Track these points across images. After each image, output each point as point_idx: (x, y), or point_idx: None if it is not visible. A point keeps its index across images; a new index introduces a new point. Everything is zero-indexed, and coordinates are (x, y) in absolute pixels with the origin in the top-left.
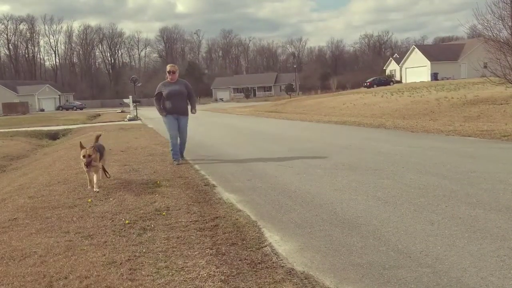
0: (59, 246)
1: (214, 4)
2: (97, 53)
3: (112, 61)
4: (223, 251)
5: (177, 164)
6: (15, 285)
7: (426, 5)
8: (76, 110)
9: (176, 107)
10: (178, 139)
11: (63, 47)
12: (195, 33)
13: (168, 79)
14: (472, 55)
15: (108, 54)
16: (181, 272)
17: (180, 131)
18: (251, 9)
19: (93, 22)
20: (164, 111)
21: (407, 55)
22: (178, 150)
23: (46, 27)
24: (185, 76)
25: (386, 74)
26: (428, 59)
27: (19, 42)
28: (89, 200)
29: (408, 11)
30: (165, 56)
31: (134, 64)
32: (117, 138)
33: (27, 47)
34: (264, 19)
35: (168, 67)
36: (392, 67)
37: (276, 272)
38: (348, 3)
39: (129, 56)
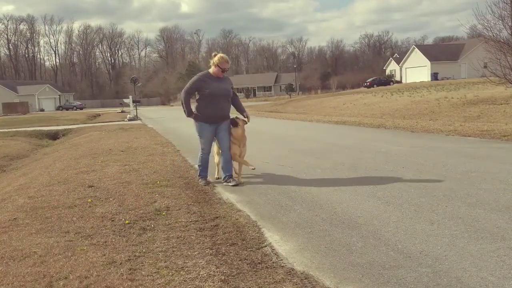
0: (59, 246)
1: (218, 4)
2: (97, 53)
3: (112, 61)
4: (223, 251)
5: (205, 184)
6: (15, 285)
7: (429, 5)
8: (76, 110)
9: (219, 113)
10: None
11: (63, 47)
12: (195, 33)
13: (214, 72)
14: (472, 55)
15: (108, 54)
16: (181, 272)
17: (219, 137)
18: (255, 9)
19: (97, 22)
20: (195, 115)
21: (407, 55)
22: (207, 167)
23: (46, 27)
24: (186, 76)
25: (386, 74)
26: (428, 59)
27: (19, 42)
28: (89, 200)
29: (411, 11)
30: (165, 56)
31: (134, 64)
32: (117, 138)
33: (27, 47)
34: (268, 19)
35: (223, 58)
36: (392, 67)
37: (276, 272)
38: (351, 3)
39: (129, 56)
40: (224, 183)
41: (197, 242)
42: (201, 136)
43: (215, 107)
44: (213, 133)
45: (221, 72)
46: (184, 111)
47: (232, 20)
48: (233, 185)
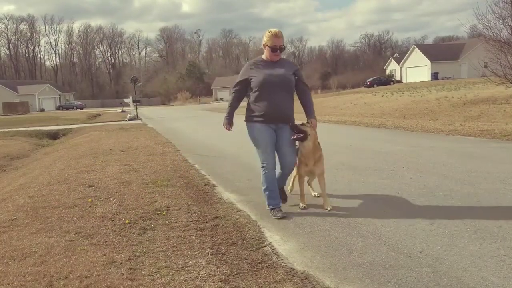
0: (59, 246)
1: (219, 4)
2: (97, 53)
3: (112, 60)
4: (223, 250)
5: (279, 217)
6: (15, 284)
7: (429, 4)
8: (76, 109)
9: (277, 109)
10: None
11: (63, 47)
12: (195, 33)
13: (267, 56)
14: (472, 55)
15: (109, 53)
16: (181, 272)
17: (280, 151)
18: (256, 9)
19: (98, 22)
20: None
21: (407, 54)
22: (277, 190)
23: (47, 27)
24: (185, 76)
25: (386, 73)
26: (429, 59)
27: (19, 42)
28: (90, 200)
29: (412, 11)
30: (166, 56)
31: (134, 63)
32: (117, 138)
33: (27, 47)
34: (269, 19)
35: (270, 32)
36: (392, 66)
37: (277, 272)
38: (352, 3)
39: (129, 56)
40: (270, 213)
41: (197, 242)
42: (258, 142)
43: (269, 101)
44: (273, 135)
45: (273, 53)
46: (226, 120)
47: (232, 20)
48: (278, 218)
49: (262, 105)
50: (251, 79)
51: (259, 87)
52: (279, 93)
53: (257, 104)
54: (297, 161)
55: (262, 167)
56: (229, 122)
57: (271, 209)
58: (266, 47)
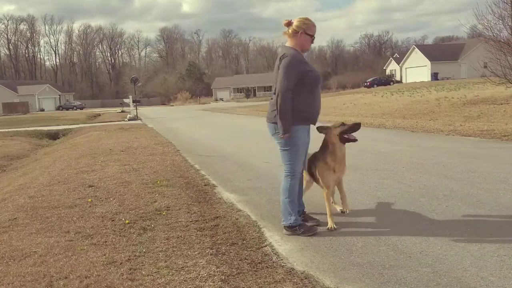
0: (59, 246)
1: (219, 4)
2: (97, 53)
3: (112, 61)
4: (223, 251)
5: (314, 232)
6: (15, 284)
7: (429, 4)
8: (76, 110)
9: (319, 108)
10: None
11: (63, 47)
12: (195, 33)
13: (303, 46)
14: (472, 55)
15: (108, 54)
16: (181, 272)
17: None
18: (256, 9)
19: (98, 22)
20: (295, 120)
21: (407, 55)
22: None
23: (47, 27)
24: (186, 76)
25: (386, 74)
26: (428, 59)
27: (19, 42)
28: (89, 200)
29: (412, 11)
30: (165, 56)
31: (134, 64)
32: (117, 138)
33: (27, 47)
34: (269, 19)
35: (311, 21)
36: (392, 67)
37: (276, 272)
38: (352, 3)
39: (129, 56)
40: (297, 232)
41: (197, 242)
42: (299, 149)
43: (315, 100)
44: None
45: (311, 44)
46: (284, 123)
47: (233, 20)
48: (312, 234)
49: (313, 104)
50: (307, 74)
51: (316, 84)
52: (319, 89)
53: (309, 103)
54: (321, 171)
55: (293, 176)
56: (289, 127)
57: (297, 226)
58: (303, 35)
